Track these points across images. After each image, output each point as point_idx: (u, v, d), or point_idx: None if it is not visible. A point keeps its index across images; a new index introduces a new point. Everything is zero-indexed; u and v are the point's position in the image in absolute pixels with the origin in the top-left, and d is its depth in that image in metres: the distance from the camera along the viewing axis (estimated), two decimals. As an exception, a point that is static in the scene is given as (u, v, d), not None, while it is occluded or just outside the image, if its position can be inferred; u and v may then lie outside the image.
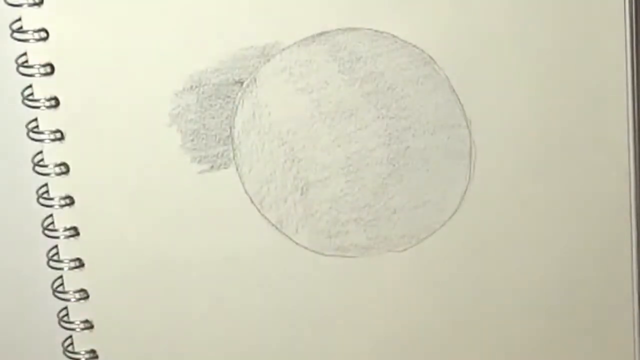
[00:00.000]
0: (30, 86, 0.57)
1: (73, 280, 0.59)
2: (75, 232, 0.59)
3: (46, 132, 0.58)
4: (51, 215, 0.59)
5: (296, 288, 0.61)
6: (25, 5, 0.56)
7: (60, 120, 0.58)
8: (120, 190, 0.58)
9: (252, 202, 0.60)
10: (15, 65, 0.57)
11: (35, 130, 0.58)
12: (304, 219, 0.60)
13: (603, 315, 0.63)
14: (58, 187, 0.58)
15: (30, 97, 0.57)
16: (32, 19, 0.57)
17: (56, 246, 0.59)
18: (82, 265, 0.59)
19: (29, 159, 0.58)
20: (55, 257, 0.59)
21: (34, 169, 0.58)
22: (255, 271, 0.60)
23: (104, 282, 0.59)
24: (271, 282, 0.61)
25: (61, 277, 0.59)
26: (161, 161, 0.59)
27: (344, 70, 0.59)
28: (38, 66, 0.57)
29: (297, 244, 0.60)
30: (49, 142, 0.58)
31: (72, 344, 0.60)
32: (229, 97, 0.59)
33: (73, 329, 0.60)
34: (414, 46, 0.59)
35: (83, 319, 0.60)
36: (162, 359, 0.61)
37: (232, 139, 0.59)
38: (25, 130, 0.58)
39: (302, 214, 0.60)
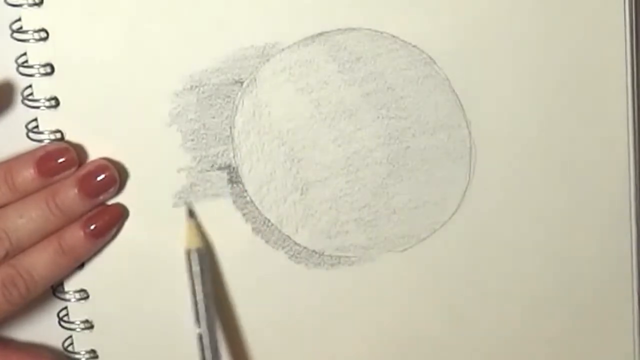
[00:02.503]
0: (30, 86, 0.57)
1: (73, 280, 0.59)
2: (75, 232, 0.59)
3: (46, 132, 0.58)
4: (51, 215, 0.59)
5: (296, 289, 0.61)
6: (25, 5, 0.56)
7: (60, 120, 0.58)
8: (120, 190, 0.58)
9: (252, 202, 0.60)
10: (15, 65, 0.57)
11: (35, 130, 0.58)
12: (304, 219, 0.60)
13: (603, 315, 0.63)
14: (58, 187, 0.58)
15: (30, 97, 0.57)
16: (32, 19, 0.57)
17: (56, 246, 0.59)
18: (82, 265, 0.59)
19: (29, 159, 0.58)
20: (55, 257, 0.59)
21: (34, 169, 0.58)
22: (256, 271, 0.60)
23: (104, 282, 0.59)
24: (272, 283, 0.61)
25: (61, 277, 0.60)
26: (161, 161, 0.59)
27: (344, 70, 0.59)
28: (38, 66, 0.57)
29: (297, 243, 0.60)
30: (50, 142, 0.58)
31: (72, 344, 0.60)
32: (229, 97, 0.59)
33: (73, 329, 0.60)
34: (414, 46, 0.59)
35: (83, 319, 0.60)
36: (162, 359, 0.61)
37: (232, 139, 0.59)
38: (25, 130, 0.58)
39: (302, 214, 0.60)
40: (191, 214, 0.59)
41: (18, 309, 0.57)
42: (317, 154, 0.60)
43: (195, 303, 0.58)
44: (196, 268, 0.58)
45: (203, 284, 0.58)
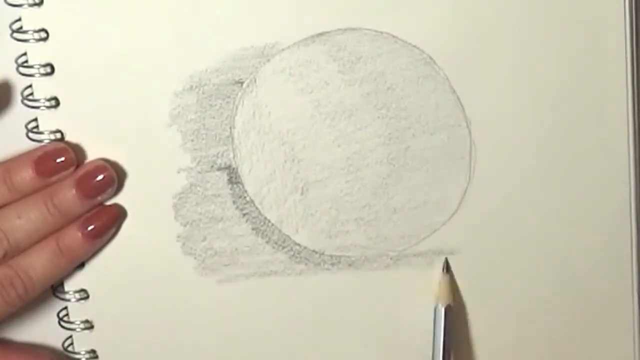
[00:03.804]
0: (30, 86, 0.57)
1: (73, 280, 0.59)
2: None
3: (46, 132, 0.58)
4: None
5: (297, 288, 0.61)
6: (25, 5, 0.56)
7: (60, 120, 0.58)
8: (120, 191, 0.58)
9: (252, 202, 0.60)
10: (15, 65, 0.57)
11: (35, 130, 0.58)
12: (304, 219, 0.60)
13: (603, 315, 0.63)
14: (58, 187, 0.58)
15: (30, 97, 0.58)
16: (32, 19, 0.57)
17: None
18: (82, 265, 0.59)
19: (29, 159, 0.58)
20: (56, 258, 0.59)
21: (33, 169, 0.58)
22: (257, 271, 0.60)
23: (104, 282, 0.59)
24: (272, 283, 0.60)
25: (61, 277, 0.60)
26: (161, 161, 0.59)
27: (344, 70, 0.59)
28: (38, 66, 0.57)
29: (297, 243, 0.60)
30: (48, 143, 0.58)
31: (72, 344, 0.60)
32: (229, 97, 0.59)
33: (73, 329, 0.60)
34: (414, 46, 0.59)
35: (83, 319, 0.60)
36: (162, 359, 0.61)
37: (232, 139, 0.59)
38: (25, 130, 0.58)
39: (302, 214, 0.60)
40: (447, 268, 0.60)
41: (16, 309, 0.57)
42: (317, 154, 0.60)
43: (435, 356, 0.60)
44: (441, 324, 0.60)
45: (445, 338, 0.60)
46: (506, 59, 0.60)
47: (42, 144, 0.58)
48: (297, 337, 0.61)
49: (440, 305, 0.60)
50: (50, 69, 0.57)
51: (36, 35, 0.57)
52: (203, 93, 0.58)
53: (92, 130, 0.58)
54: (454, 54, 0.59)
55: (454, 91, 0.60)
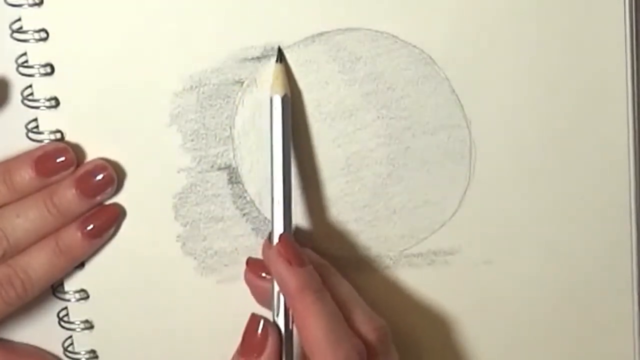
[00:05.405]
0: (30, 86, 0.57)
1: (73, 280, 0.59)
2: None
3: (46, 132, 0.58)
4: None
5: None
6: (25, 5, 0.56)
7: (60, 120, 0.58)
8: (120, 190, 0.59)
9: (252, 202, 0.60)
10: (15, 65, 0.57)
11: (35, 130, 0.58)
12: (304, 219, 0.60)
13: (603, 315, 0.63)
14: (58, 187, 0.58)
15: (30, 97, 0.58)
16: (32, 19, 0.57)
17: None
18: (82, 265, 0.59)
19: (29, 159, 0.58)
20: (56, 258, 0.59)
21: (33, 169, 0.58)
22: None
23: (104, 282, 0.59)
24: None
25: (61, 277, 0.60)
26: (161, 161, 0.59)
27: (344, 70, 0.59)
28: (38, 66, 0.57)
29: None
30: (48, 142, 0.58)
31: (72, 344, 0.60)
32: (229, 97, 0.59)
33: (73, 329, 0.60)
34: (414, 46, 0.59)
35: (83, 319, 0.60)
36: (161, 359, 0.61)
37: (232, 139, 0.59)
38: (25, 131, 0.58)
39: (302, 214, 0.60)
40: (282, 59, 0.58)
41: (15, 309, 0.57)
42: (317, 154, 0.60)
43: (272, 146, 0.57)
44: (277, 113, 0.57)
45: (283, 128, 0.57)
46: (506, 59, 0.60)
47: (42, 144, 0.58)
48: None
49: (277, 96, 0.57)
50: (50, 69, 0.57)
51: (36, 35, 0.57)
52: (203, 93, 0.58)
53: (92, 130, 0.58)
54: (454, 54, 0.59)
55: (454, 91, 0.60)
